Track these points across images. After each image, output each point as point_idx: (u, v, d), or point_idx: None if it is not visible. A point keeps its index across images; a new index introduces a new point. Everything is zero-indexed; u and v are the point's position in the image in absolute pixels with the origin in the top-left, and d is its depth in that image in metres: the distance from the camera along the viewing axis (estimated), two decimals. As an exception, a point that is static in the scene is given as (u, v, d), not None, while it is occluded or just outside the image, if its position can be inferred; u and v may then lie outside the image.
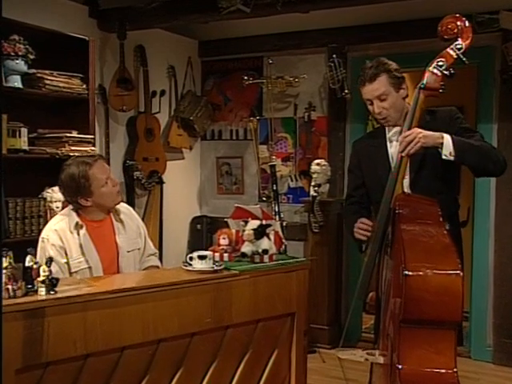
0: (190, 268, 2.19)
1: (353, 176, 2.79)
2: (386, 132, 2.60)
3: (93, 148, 3.66)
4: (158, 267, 2.84)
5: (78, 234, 2.57)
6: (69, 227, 2.57)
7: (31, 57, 3.31)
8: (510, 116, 4.13)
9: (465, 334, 4.36)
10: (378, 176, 2.53)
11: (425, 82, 2.30)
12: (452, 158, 2.29)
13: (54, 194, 3.39)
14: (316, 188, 4.45)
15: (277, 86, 4.84)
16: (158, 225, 4.69)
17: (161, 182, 4.66)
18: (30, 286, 1.80)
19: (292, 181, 4.98)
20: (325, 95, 4.80)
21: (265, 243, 2.32)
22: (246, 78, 4.89)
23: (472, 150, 2.34)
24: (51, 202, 3.43)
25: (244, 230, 2.32)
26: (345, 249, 4.70)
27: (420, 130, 2.29)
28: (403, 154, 2.30)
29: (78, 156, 2.94)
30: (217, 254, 2.30)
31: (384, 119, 2.53)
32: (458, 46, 2.26)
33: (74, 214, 2.61)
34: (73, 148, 3.50)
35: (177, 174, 5.01)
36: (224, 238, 2.36)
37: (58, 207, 3.38)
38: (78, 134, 3.58)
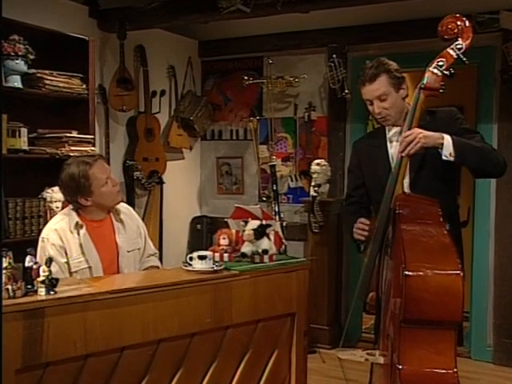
0: (189, 268, 2.19)
1: (353, 176, 2.79)
2: (387, 132, 2.60)
3: (93, 148, 3.66)
4: (158, 267, 2.84)
5: (78, 234, 2.56)
6: (69, 227, 2.56)
7: (31, 57, 3.31)
8: (510, 116, 4.13)
9: (465, 334, 4.37)
10: (378, 176, 2.53)
11: (425, 81, 2.29)
12: (452, 159, 2.29)
13: (54, 194, 3.39)
14: (316, 188, 4.45)
15: (277, 86, 4.84)
16: (158, 225, 4.69)
17: (161, 182, 4.66)
18: (29, 286, 1.80)
19: (292, 181, 4.98)
20: (325, 95, 4.80)
21: (265, 243, 2.31)
22: (246, 77, 4.88)
23: (472, 151, 2.33)
24: (51, 202, 3.43)
25: (244, 230, 2.32)
26: (345, 249, 4.70)
27: (420, 130, 2.29)
28: (403, 154, 2.30)
29: (78, 156, 2.94)
30: (217, 254, 2.30)
31: (384, 119, 2.52)
32: (459, 46, 2.26)
33: (74, 214, 2.61)
34: (73, 148, 3.50)
35: (177, 174, 5.01)
36: (224, 238, 2.36)
37: (57, 207, 3.38)
38: (78, 134, 3.58)
